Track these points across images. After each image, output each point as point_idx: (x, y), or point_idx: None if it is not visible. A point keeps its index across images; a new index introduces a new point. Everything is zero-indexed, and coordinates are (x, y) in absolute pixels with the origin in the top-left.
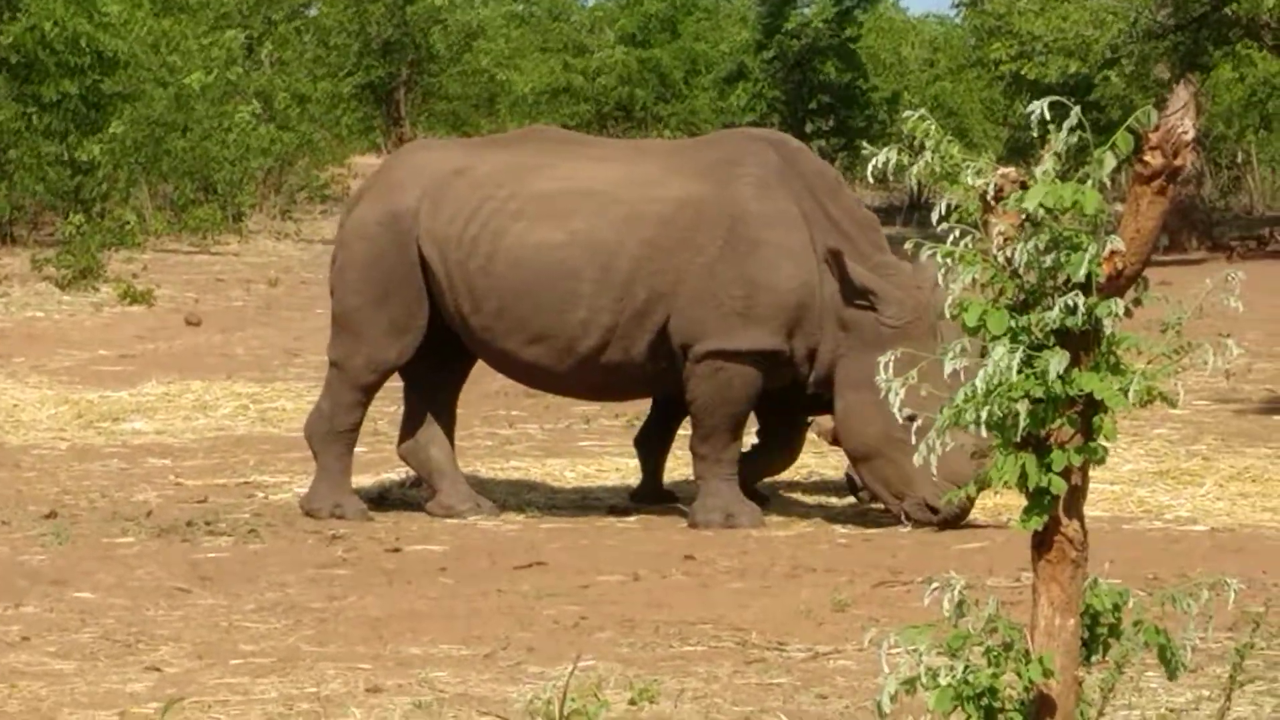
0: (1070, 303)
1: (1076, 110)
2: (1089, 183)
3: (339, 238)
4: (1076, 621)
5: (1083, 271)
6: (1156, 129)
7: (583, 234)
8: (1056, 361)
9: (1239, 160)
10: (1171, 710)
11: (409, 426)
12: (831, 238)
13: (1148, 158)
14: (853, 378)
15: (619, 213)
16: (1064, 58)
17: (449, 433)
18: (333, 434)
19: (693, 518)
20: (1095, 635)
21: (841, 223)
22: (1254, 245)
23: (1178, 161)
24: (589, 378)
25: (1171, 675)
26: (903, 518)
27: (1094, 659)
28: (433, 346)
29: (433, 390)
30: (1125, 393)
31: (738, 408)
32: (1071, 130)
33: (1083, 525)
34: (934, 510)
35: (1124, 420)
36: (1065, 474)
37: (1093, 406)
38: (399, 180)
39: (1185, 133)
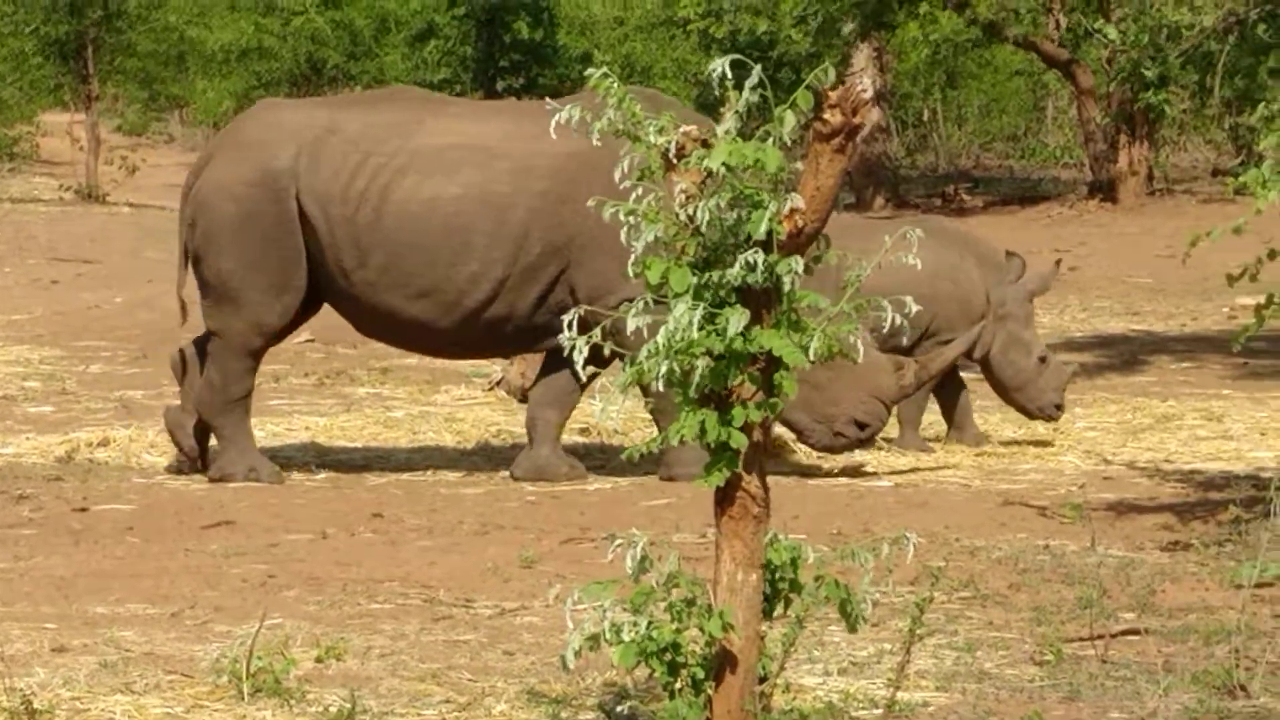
0: (751, 260)
1: (758, 69)
2: (770, 141)
3: (195, 202)
4: (759, 576)
5: (763, 229)
6: (836, 88)
7: (475, 187)
8: (736, 319)
9: (925, 118)
10: (854, 663)
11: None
12: None
13: (827, 116)
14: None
15: (508, 166)
16: (751, 16)
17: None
18: (228, 404)
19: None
20: (777, 590)
21: None
22: (939, 202)
23: (857, 120)
24: (471, 332)
25: (852, 628)
26: (824, 440)
27: (776, 613)
28: None
29: None
30: (805, 349)
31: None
32: (752, 89)
33: (764, 481)
34: (862, 426)
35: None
36: (746, 430)
37: (774, 363)
38: (262, 139)
39: (864, 91)
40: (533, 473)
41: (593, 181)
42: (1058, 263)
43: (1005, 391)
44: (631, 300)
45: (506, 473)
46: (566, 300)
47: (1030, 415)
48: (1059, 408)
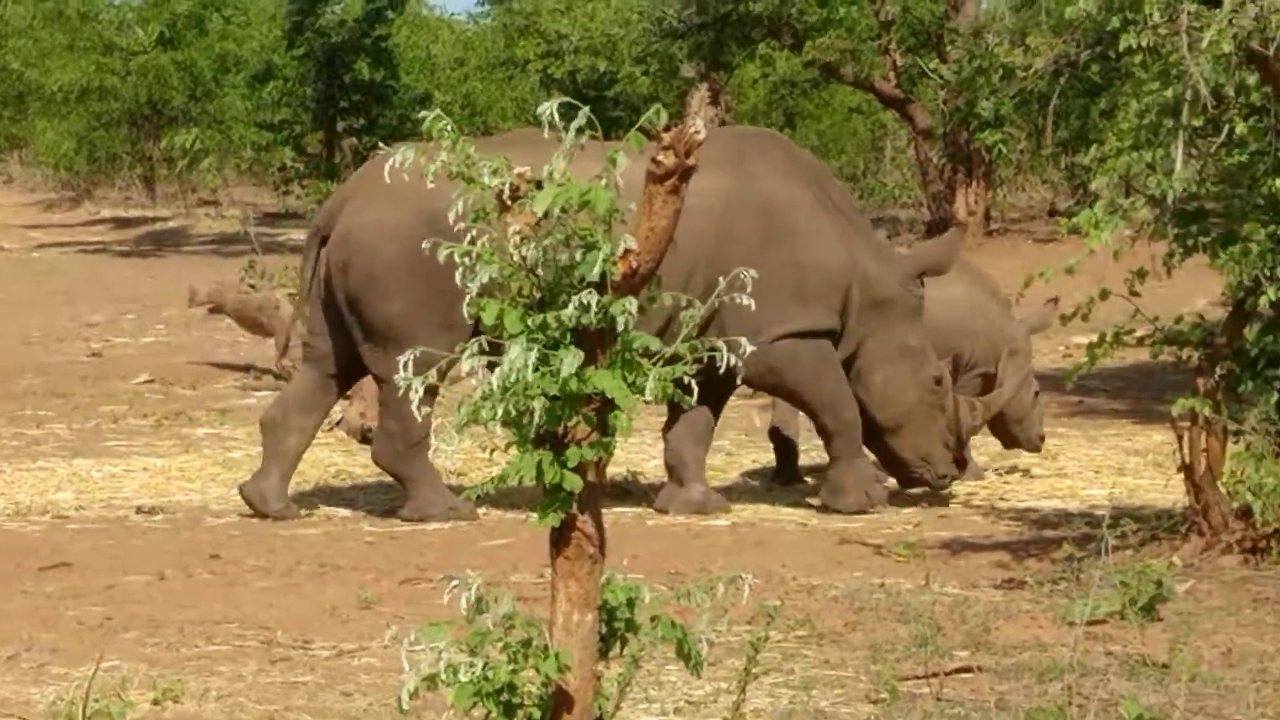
0: (584, 301)
1: (585, 110)
2: (603, 182)
3: (349, 246)
4: (594, 617)
5: (597, 270)
6: (669, 129)
7: None
8: (570, 360)
9: None
10: (690, 703)
11: (287, 403)
12: (838, 221)
13: (660, 157)
14: (887, 351)
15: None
16: (591, 56)
17: (316, 429)
18: (411, 448)
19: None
20: (613, 630)
21: (841, 207)
22: None
23: (690, 161)
24: None
25: (692, 670)
26: (923, 477)
27: (613, 654)
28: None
29: (330, 380)
30: (640, 390)
31: (833, 381)
32: (579, 130)
33: (600, 522)
34: (961, 465)
35: (649, 416)
36: (581, 471)
37: (608, 404)
38: (415, 181)
39: (697, 133)
40: (689, 509)
41: (743, 217)
42: (1055, 300)
43: (1004, 422)
44: (779, 339)
45: (346, 512)
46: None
47: (1020, 445)
48: (1043, 439)
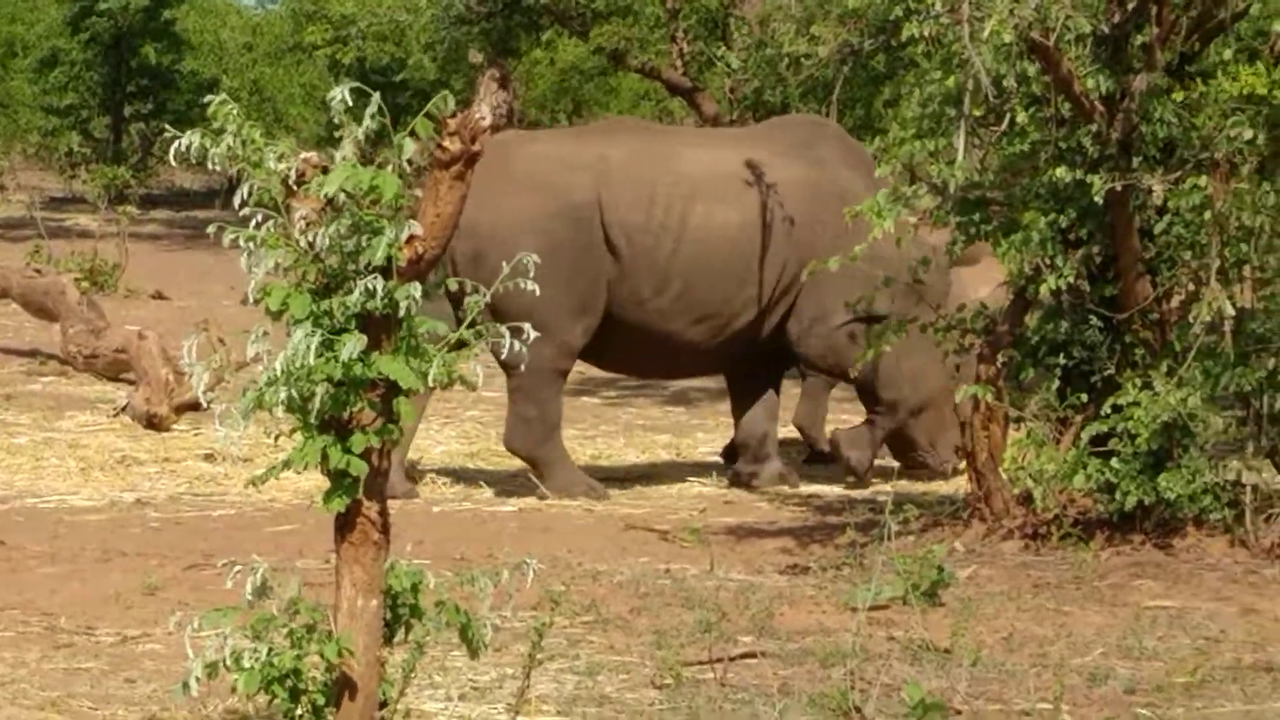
0: (370, 286)
1: (376, 96)
2: (389, 168)
3: (479, 238)
4: (379, 602)
5: (382, 255)
6: (455, 115)
7: (752, 213)
8: (351, 345)
9: None
10: (475, 688)
11: None
12: None
13: (446, 143)
14: (921, 338)
15: (769, 193)
16: (379, 42)
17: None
18: (549, 432)
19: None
20: (397, 616)
21: None
22: None
23: (475, 147)
24: (722, 355)
25: (473, 655)
26: (927, 461)
27: (397, 639)
28: None
29: None
30: (424, 376)
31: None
32: (371, 117)
33: (385, 507)
34: (957, 450)
35: (438, 402)
36: (365, 456)
37: (394, 389)
38: (545, 171)
39: (483, 119)
40: (774, 481)
41: (826, 205)
42: None
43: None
44: (841, 326)
45: (132, 498)
46: (794, 322)
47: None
48: None
